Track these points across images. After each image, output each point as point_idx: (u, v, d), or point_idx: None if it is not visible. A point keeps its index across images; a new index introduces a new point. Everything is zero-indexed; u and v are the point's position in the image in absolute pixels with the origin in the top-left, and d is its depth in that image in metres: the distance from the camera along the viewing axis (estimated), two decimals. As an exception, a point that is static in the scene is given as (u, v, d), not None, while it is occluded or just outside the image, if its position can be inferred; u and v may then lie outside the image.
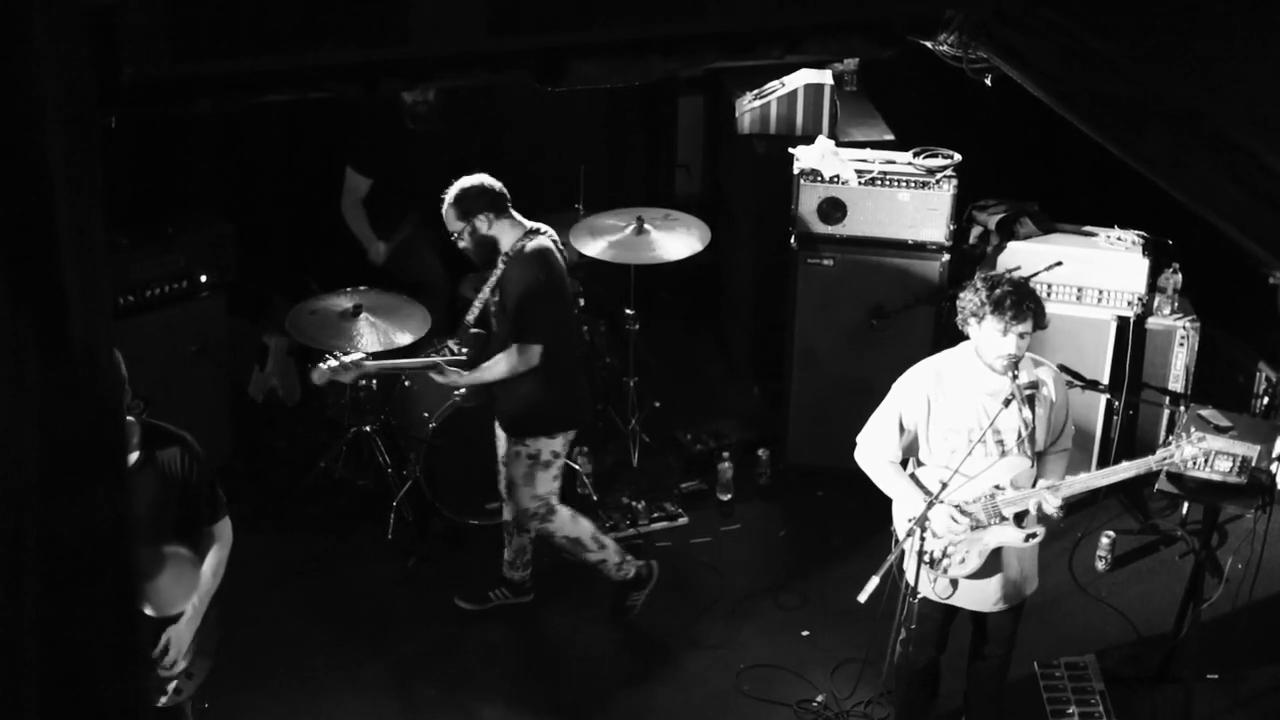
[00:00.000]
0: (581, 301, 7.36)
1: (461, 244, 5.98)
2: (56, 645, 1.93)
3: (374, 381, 7.03)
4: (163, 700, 4.74)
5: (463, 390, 6.26)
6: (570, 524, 6.29)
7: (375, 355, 6.94)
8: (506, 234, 5.93)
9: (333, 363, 6.02)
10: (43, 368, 1.85)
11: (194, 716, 4.97)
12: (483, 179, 5.94)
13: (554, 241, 6.01)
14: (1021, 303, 5.04)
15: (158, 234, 6.91)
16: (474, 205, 5.87)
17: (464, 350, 6.17)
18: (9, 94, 1.76)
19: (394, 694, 6.13)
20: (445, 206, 5.93)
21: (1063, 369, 5.68)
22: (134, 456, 4.56)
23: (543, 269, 5.88)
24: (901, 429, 5.28)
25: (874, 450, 5.35)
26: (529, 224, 5.98)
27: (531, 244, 5.90)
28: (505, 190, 5.93)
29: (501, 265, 5.95)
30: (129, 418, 4.55)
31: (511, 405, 6.11)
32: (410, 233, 7.69)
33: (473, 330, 6.15)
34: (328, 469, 7.14)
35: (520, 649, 6.40)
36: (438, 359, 6.13)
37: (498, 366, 5.96)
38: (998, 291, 5.06)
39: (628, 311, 7.20)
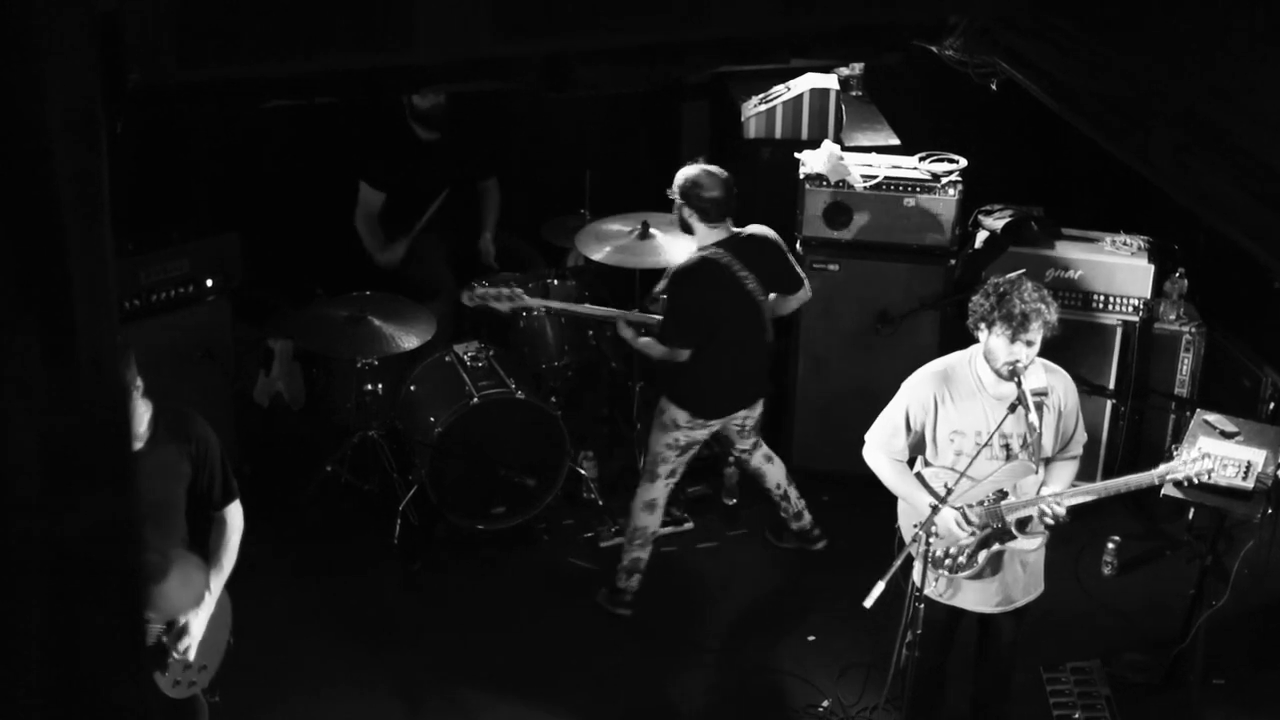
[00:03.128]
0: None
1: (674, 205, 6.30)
2: (61, 650, 1.93)
3: (380, 386, 7.03)
4: (177, 691, 4.73)
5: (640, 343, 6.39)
6: (641, 505, 6.50)
7: (382, 359, 6.96)
8: (699, 236, 6.24)
9: (481, 290, 6.51)
10: (49, 372, 1.85)
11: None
12: (714, 183, 6.18)
13: (735, 253, 6.19)
14: (1030, 311, 5.04)
15: (163, 239, 6.91)
16: (690, 197, 6.19)
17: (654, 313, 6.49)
18: (16, 99, 1.76)
19: (398, 698, 6.13)
20: (680, 171, 6.27)
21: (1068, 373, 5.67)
22: (144, 437, 4.57)
23: (688, 282, 6.18)
24: (908, 428, 5.29)
25: (881, 448, 5.36)
26: (738, 231, 6.25)
27: (698, 255, 6.20)
28: (724, 202, 6.18)
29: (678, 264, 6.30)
30: (142, 399, 4.55)
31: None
32: (419, 238, 7.69)
33: (662, 296, 6.48)
34: (333, 473, 7.14)
35: (525, 653, 6.40)
36: (623, 312, 6.46)
37: (654, 348, 6.26)
38: (1008, 298, 5.06)
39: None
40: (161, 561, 4.58)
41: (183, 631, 4.67)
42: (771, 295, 6.40)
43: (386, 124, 7.63)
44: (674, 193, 6.27)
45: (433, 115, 7.49)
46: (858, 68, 8.20)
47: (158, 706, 4.61)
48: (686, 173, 6.26)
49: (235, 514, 4.88)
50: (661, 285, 6.47)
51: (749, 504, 7.34)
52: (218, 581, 4.80)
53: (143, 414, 4.57)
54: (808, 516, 6.91)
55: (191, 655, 4.70)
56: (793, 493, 6.87)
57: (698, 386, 6.34)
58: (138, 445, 4.52)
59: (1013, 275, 5.26)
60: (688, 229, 6.28)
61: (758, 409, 6.59)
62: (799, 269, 6.48)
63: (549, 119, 8.69)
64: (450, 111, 7.54)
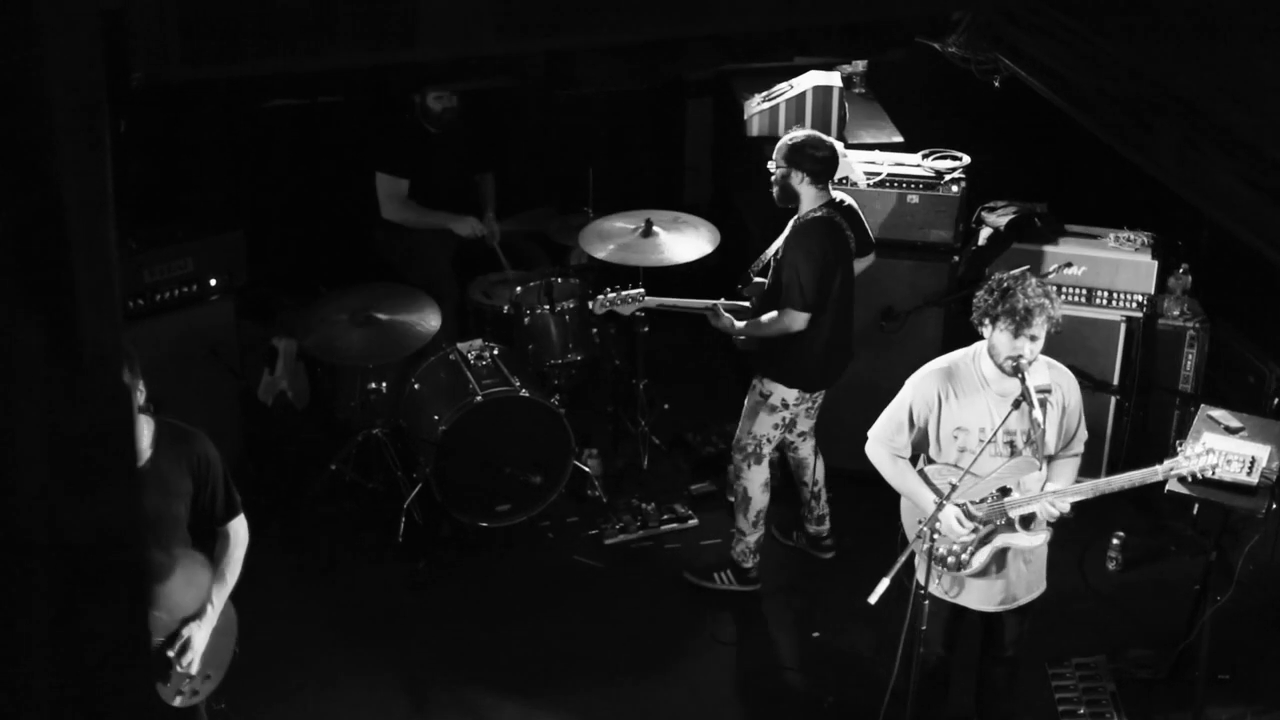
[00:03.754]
0: (591, 304, 7.37)
1: (772, 178, 6.30)
2: (65, 649, 1.93)
3: (384, 384, 7.04)
4: (179, 701, 4.73)
5: (740, 326, 6.39)
6: (759, 487, 6.54)
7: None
8: (808, 200, 6.22)
9: (612, 295, 6.47)
10: (52, 371, 1.86)
11: (209, 717, 4.98)
12: (822, 144, 6.20)
13: (842, 216, 6.26)
14: (1034, 306, 5.03)
15: (167, 238, 6.91)
16: (799, 160, 6.17)
17: (746, 296, 6.47)
18: (19, 97, 1.77)
19: (403, 695, 6.13)
20: (781, 141, 6.27)
21: (1072, 370, 5.68)
22: (147, 454, 4.57)
23: (817, 241, 6.16)
24: (912, 425, 5.28)
25: (884, 445, 5.36)
26: (835, 195, 6.29)
27: (816, 215, 6.20)
28: (833, 162, 6.22)
29: (789, 227, 6.28)
30: (144, 415, 4.55)
31: (764, 342, 6.38)
32: (422, 236, 7.69)
33: (756, 279, 6.47)
34: (338, 472, 7.14)
35: (530, 650, 6.40)
36: (715, 302, 6.39)
37: (771, 325, 6.23)
38: (1011, 294, 5.06)
39: (637, 314, 7.20)
40: (166, 560, 4.58)
41: (186, 645, 4.67)
42: None
43: (395, 115, 7.64)
44: (777, 160, 6.23)
45: (445, 116, 7.50)
46: (861, 65, 8.19)
47: (159, 714, 4.61)
48: (793, 137, 6.24)
49: (239, 528, 4.88)
50: (775, 252, 6.32)
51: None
52: (221, 594, 4.80)
53: (144, 430, 4.57)
54: (828, 524, 6.90)
55: (195, 668, 4.71)
56: (824, 495, 6.85)
57: (811, 358, 6.31)
58: (139, 461, 4.51)
59: (1016, 271, 5.26)
60: (790, 196, 6.24)
61: None
62: (870, 232, 6.54)
63: (552, 116, 8.68)
64: (460, 111, 7.55)
